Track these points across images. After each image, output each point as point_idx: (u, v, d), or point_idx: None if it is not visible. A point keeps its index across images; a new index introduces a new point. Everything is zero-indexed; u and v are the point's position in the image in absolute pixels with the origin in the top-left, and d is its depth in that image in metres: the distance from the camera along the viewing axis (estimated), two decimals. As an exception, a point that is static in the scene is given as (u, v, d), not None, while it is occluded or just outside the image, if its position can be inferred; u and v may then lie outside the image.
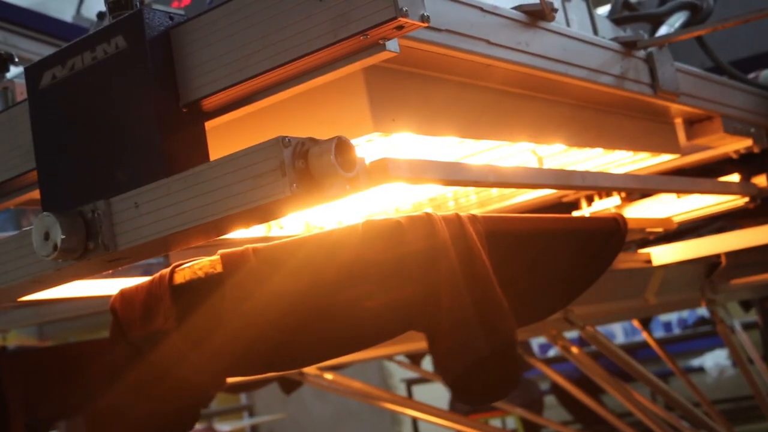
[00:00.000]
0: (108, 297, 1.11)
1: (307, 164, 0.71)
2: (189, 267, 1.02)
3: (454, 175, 0.93)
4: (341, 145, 0.71)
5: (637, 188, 1.38)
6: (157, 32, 0.83)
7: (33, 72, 0.89)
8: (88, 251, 0.82)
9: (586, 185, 1.17)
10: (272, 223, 1.31)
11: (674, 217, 1.67)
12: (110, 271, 0.90)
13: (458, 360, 0.97)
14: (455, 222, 1.00)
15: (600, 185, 1.23)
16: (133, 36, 0.83)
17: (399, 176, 0.82)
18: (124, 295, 1.07)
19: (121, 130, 0.83)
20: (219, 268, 0.98)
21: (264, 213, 0.75)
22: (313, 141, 0.72)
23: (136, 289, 1.06)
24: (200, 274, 1.00)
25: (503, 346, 0.99)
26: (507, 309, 1.01)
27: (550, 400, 6.56)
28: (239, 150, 0.74)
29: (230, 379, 1.91)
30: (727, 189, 1.58)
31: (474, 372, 0.98)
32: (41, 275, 0.88)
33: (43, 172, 0.90)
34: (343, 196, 0.74)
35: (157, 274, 1.05)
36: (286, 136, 0.71)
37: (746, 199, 1.62)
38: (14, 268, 0.90)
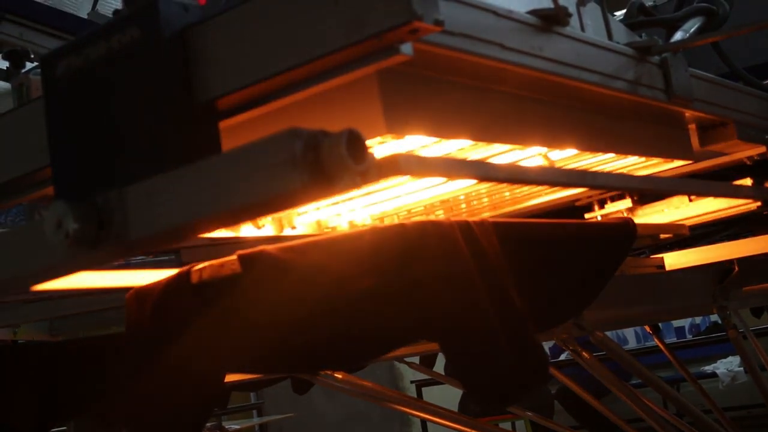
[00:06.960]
0: (119, 291, 1.12)
1: (318, 156, 0.71)
2: (206, 267, 1.02)
3: (465, 172, 0.93)
4: (352, 138, 0.71)
5: (648, 189, 1.37)
6: (174, 28, 0.83)
7: (49, 61, 0.90)
8: (101, 240, 0.82)
9: (597, 184, 1.17)
10: (284, 222, 1.32)
11: (686, 221, 1.66)
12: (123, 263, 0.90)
13: (483, 370, 0.96)
14: (466, 228, 0.99)
15: (611, 185, 1.22)
16: (149, 28, 0.83)
17: (409, 170, 0.82)
18: (138, 293, 1.08)
19: (134, 124, 0.84)
20: (237, 269, 0.98)
21: (275, 205, 0.75)
22: (324, 134, 0.72)
23: (152, 288, 1.06)
24: (217, 274, 1.01)
25: (527, 350, 0.98)
26: (524, 314, 1.01)
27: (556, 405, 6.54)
28: (251, 141, 0.74)
29: (240, 377, 1.91)
30: (739, 192, 1.57)
31: (500, 379, 0.97)
32: (54, 264, 0.87)
33: (56, 160, 0.90)
34: (354, 189, 0.73)
35: (173, 274, 1.06)
36: (298, 128, 0.71)
37: (758, 204, 1.61)
38: (26, 258, 0.90)
